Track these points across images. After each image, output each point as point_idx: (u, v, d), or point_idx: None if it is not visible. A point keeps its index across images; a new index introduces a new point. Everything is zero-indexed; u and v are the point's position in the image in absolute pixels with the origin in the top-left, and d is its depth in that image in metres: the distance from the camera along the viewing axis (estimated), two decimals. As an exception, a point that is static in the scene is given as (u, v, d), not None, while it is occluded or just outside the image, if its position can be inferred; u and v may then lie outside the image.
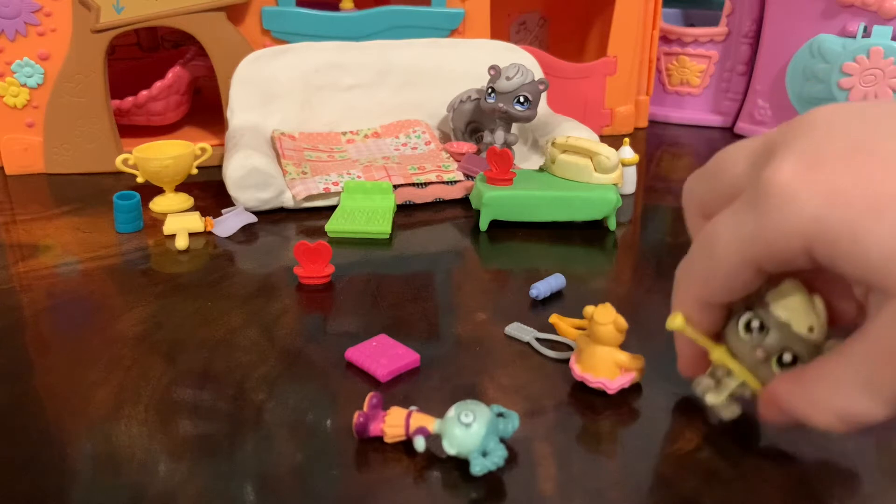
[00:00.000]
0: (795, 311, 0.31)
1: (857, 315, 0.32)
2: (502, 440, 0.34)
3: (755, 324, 0.32)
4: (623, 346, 0.39)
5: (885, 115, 0.26)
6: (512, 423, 0.35)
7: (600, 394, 0.39)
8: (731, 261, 0.28)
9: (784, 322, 0.31)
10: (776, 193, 0.26)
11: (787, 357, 0.31)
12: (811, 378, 0.29)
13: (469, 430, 0.33)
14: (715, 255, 0.29)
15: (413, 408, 0.36)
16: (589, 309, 0.39)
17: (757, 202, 0.26)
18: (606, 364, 0.38)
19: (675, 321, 0.33)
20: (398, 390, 0.40)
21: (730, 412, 0.35)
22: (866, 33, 0.76)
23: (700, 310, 0.32)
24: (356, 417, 0.35)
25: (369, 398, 0.36)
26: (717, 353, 0.33)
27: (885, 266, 0.24)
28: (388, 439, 0.35)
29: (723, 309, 0.33)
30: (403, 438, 0.35)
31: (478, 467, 0.33)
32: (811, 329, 0.31)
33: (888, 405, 0.26)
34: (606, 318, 0.38)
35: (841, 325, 0.32)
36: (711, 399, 0.35)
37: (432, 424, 0.34)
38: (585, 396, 0.39)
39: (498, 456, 0.33)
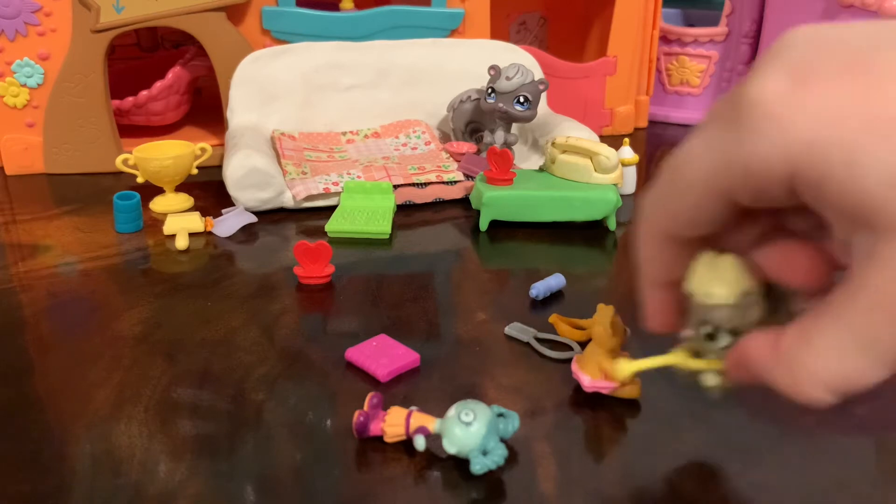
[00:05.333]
0: (700, 281, 0.28)
1: (811, 271, 0.28)
2: (502, 440, 0.34)
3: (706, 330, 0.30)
4: (623, 347, 0.39)
5: (876, 30, 0.23)
6: (512, 423, 0.35)
7: (600, 394, 0.39)
8: (702, 187, 0.24)
9: (692, 294, 0.29)
10: (760, 112, 0.22)
11: (704, 329, 0.29)
12: (793, 344, 0.24)
13: (469, 430, 0.33)
14: (683, 179, 0.25)
15: (413, 408, 0.36)
16: (600, 306, 0.39)
17: (737, 122, 0.23)
18: (591, 363, 0.38)
19: (623, 370, 0.34)
20: (398, 390, 0.40)
21: (718, 387, 0.32)
22: (866, 33, 0.76)
23: (661, 245, 0.28)
24: (356, 417, 0.35)
25: (369, 398, 0.36)
26: (671, 360, 0.32)
27: (883, 194, 0.20)
28: (388, 439, 0.35)
29: (684, 248, 0.28)
30: (403, 438, 0.35)
31: (478, 466, 0.33)
32: (707, 294, 0.28)
33: (887, 366, 0.22)
34: (601, 317, 0.38)
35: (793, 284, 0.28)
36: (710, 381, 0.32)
37: (432, 424, 0.34)
38: (585, 396, 0.39)
39: (498, 455, 0.33)
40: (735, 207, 0.25)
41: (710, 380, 0.31)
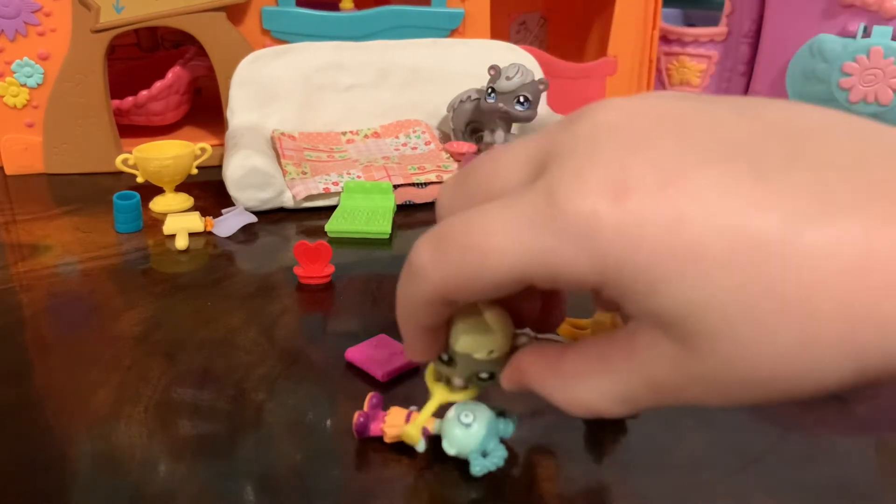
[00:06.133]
0: (471, 341, 0.30)
1: (544, 309, 0.32)
2: (502, 440, 0.34)
3: (444, 357, 0.31)
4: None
5: (691, 126, 0.22)
6: (512, 423, 0.35)
7: (600, 394, 0.39)
8: (506, 275, 0.24)
9: (464, 354, 0.31)
10: (577, 226, 0.21)
11: (483, 375, 0.31)
12: (571, 373, 0.26)
13: (469, 431, 0.33)
14: (487, 263, 0.24)
15: (413, 408, 0.36)
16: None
17: (552, 227, 0.22)
18: None
19: (410, 433, 0.34)
20: (398, 390, 0.40)
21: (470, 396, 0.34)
22: (866, 33, 0.76)
23: (437, 305, 0.27)
24: (356, 417, 0.35)
25: (369, 398, 0.36)
26: (440, 396, 0.34)
27: (674, 315, 0.21)
28: (388, 439, 0.35)
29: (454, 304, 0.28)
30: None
31: (478, 468, 0.33)
32: (491, 352, 0.30)
33: (637, 409, 0.25)
34: (601, 317, 0.37)
35: (531, 322, 0.32)
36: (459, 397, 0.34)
37: (432, 424, 0.34)
38: (585, 396, 0.39)
39: (498, 456, 0.33)
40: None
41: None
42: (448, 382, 0.33)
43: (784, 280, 0.20)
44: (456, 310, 0.29)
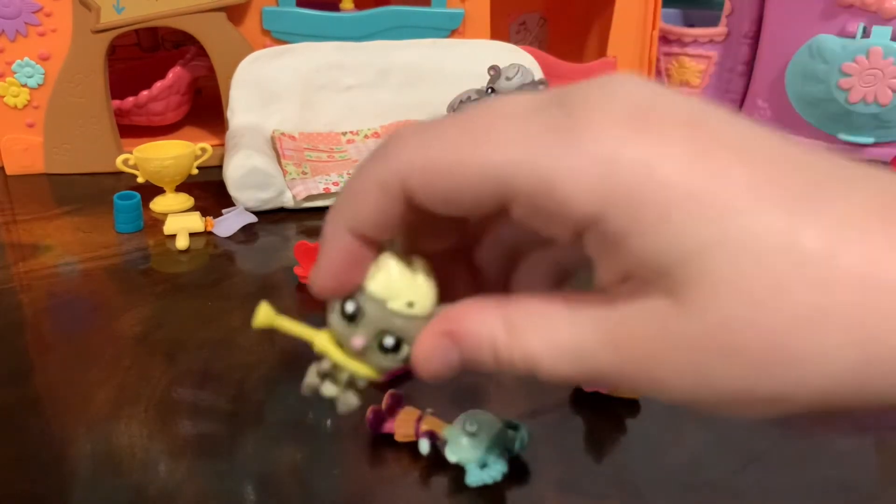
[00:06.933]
0: (390, 285, 0.25)
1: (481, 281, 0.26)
2: (511, 453, 0.34)
3: (350, 308, 0.26)
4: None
5: (694, 101, 0.20)
6: (521, 437, 0.34)
7: (600, 394, 0.39)
8: (493, 170, 0.21)
9: (379, 299, 0.25)
10: (600, 141, 0.19)
11: (388, 341, 0.25)
12: (519, 312, 0.22)
13: (471, 441, 0.33)
14: (477, 150, 0.21)
15: (429, 410, 0.36)
16: None
17: (566, 135, 0.20)
18: None
19: (259, 315, 0.27)
20: (398, 390, 0.40)
21: (346, 405, 0.28)
22: (866, 34, 0.76)
23: (357, 249, 0.24)
24: (368, 413, 0.35)
25: (388, 396, 0.36)
26: (320, 343, 0.27)
27: (675, 263, 0.19)
28: (398, 438, 0.35)
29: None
30: (413, 439, 0.35)
31: (473, 478, 0.32)
32: (410, 304, 0.25)
33: (579, 372, 0.21)
34: None
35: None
36: (328, 391, 0.28)
37: (442, 429, 0.34)
38: (585, 396, 0.39)
39: (496, 471, 0.33)
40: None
41: (343, 405, 0.28)
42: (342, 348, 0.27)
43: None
44: (380, 253, 0.25)
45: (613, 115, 0.19)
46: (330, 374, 0.29)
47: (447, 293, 0.26)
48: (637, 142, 0.19)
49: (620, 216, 0.19)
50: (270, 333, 0.45)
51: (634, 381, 0.20)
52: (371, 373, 0.27)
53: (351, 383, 0.28)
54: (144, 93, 0.78)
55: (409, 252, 0.26)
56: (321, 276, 0.26)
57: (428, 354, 0.24)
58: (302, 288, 0.51)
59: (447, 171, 0.21)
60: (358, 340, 0.26)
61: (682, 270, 0.18)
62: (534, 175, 0.20)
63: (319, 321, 0.46)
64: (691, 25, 0.95)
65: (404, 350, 0.26)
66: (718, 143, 0.19)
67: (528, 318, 0.22)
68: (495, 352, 0.22)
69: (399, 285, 0.25)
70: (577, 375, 0.21)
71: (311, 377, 0.29)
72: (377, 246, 0.25)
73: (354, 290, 0.26)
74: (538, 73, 0.78)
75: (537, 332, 0.21)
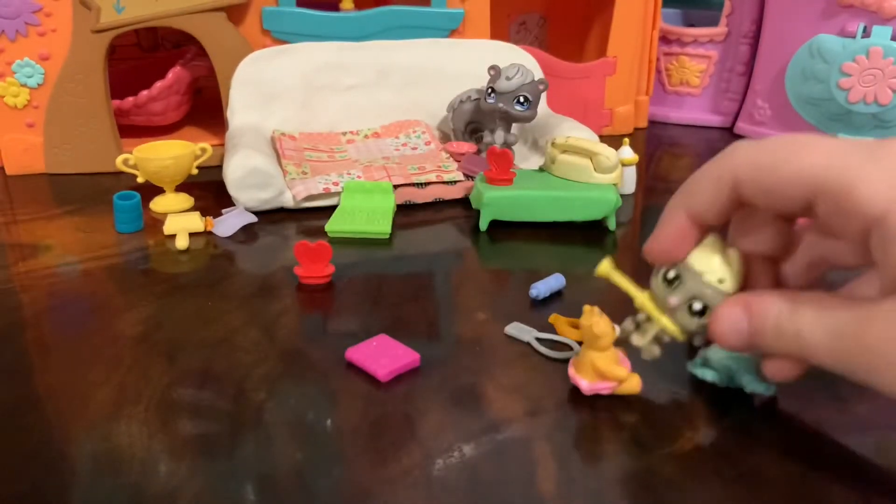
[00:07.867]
0: (709, 263, 0.33)
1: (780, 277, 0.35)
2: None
3: (671, 274, 0.34)
4: (617, 345, 0.39)
5: None
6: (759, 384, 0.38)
7: (600, 394, 0.39)
8: (806, 173, 0.28)
9: (697, 271, 0.33)
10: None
11: (697, 305, 0.33)
12: (804, 300, 0.30)
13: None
14: (792, 156, 0.29)
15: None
16: (586, 307, 0.39)
17: (865, 152, 0.27)
18: (586, 365, 0.38)
19: (602, 266, 0.36)
20: (398, 390, 0.40)
21: (649, 354, 0.37)
22: (866, 33, 0.76)
23: (691, 226, 0.33)
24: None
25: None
26: (640, 299, 0.36)
27: None
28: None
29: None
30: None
31: (751, 386, 0.37)
32: (721, 280, 0.33)
33: (833, 345, 0.29)
34: (586, 320, 0.37)
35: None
36: (636, 340, 0.37)
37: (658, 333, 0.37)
38: (585, 396, 0.39)
39: (767, 387, 0.37)
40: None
41: (647, 354, 0.37)
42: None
43: None
44: (703, 240, 0.34)
45: None
46: (640, 327, 0.37)
47: (748, 286, 0.33)
48: None
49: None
50: (270, 333, 0.45)
51: (872, 373, 0.27)
52: (676, 330, 0.35)
53: (657, 338, 0.36)
54: (144, 93, 0.78)
55: (729, 245, 0.34)
56: (655, 244, 0.34)
57: (724, 318, 0.32)
58: (302, 288, 0.51)
59: (771, 167, 0.28)
60: (674, 300, 0.34)
61: None
62: (840, 178, 0.26)
63: (318, 321, 0.47)
64: (691, 25, 0.95)
65: (707, 317, 0.33)
66: None
67: (809, 303, 0.29)
68: (778, 323, 0.29)
69: (715, 264, 0.33)
70: (830, 357, 0.27)
71: (627, 324, 0.38)
72: (704, 231, 0.33)
73: (676, 261, 0.34)
74: (538, 73, 0.78)
75: (812, 320, 0.28)
